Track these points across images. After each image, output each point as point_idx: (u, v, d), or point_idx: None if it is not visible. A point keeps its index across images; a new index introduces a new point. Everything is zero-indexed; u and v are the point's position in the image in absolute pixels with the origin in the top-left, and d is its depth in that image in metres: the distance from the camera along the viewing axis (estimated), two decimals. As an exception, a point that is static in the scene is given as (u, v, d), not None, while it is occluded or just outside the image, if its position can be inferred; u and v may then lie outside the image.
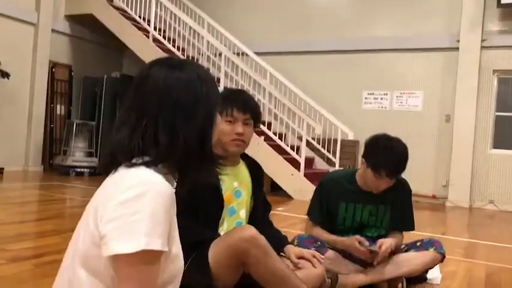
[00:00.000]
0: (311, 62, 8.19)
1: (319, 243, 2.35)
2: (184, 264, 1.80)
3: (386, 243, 2.26)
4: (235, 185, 1.96)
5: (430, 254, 2.32)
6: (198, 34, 7.95)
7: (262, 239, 1.68)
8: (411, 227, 2.51)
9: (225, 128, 1.88)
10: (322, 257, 2.06)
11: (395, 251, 2.35)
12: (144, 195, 0.91)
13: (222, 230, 1.91)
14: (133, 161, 0.99)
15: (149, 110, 1.01)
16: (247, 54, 8.04)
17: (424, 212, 6.14)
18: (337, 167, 7.03)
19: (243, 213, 1.99)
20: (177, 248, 1.04)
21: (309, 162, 7.41)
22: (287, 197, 6.48)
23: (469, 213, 6.56)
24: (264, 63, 7.90)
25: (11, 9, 7.46)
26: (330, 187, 2.48)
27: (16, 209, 4.47)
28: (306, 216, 2.55)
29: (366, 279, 2.31)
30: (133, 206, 0.90)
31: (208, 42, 7.77)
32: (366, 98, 7.85)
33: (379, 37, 7.73)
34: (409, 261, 2.30)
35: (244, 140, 1.91)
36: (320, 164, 7.69)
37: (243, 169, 2.03)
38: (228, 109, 1.90)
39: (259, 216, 2.05)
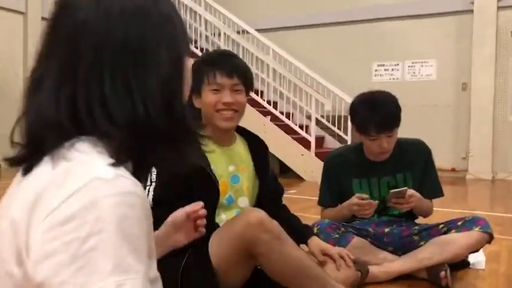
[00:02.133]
0: (316, 36, 7.76)
1: (343, 229, 2.00)
2: (180, 263, 1.46)
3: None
4: (230, 168, 1.64)
5: (475, 234, 1.95)
6: (195, 13, 7.54)
7: (272, 222, 1.36)
8: (439, 192, 2.17)
9: (209, 98, 1.57)
10: (352, 257, 1.71)
11: (437, 233, 2.01)
12: (99, 203, 0.55)
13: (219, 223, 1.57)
14: (67, 144, 0.61)
15: (80, 59, 0.63)
16: (248, 32, 7.62)
17: (445, 187, 5.62)
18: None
19: (242, 202, 1.64)
20: (154, 270, 0.67)
21: (319, 141, 7.04)
22: (298, 178, 6.13)
23: (493, 185, 6.17)
24: (267, 40, 7.48)
25: (-4, -3, 7.08)
26: (336, 164, 2.15)
27: None
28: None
29: (401, 268, 1.95)
30: (85, 226, 0.54)
31: (206, 21, 7.37)
32: (376, 70, 7.43)
33: (386, 4, 7.27)
34: (452, 244, 1.93)
35: (235, 109, 1.58)
36: (331, 143, 7.32)
37: (239, 148, 1.69)
38: (211, 75, 1.56)
39: (268, 202, 1.68)
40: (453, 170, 6.81)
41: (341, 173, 2.15)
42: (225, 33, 7.02)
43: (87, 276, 0.52)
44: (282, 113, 6.63)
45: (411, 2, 7.12)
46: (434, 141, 7.64)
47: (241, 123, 1.69)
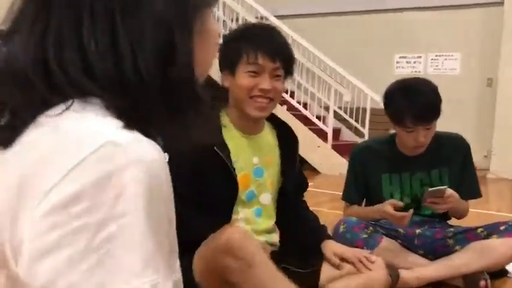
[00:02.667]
0: (337, 24, 7.52)
1: (371, 228, 1.82)
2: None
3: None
4: (254, 160, 1.45)
5: (519, 240, 1.76)
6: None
7: (245, 246, 1.13)
8: (477, 193, 1.98)
9: (245, 81, 1.35)
10: (373, 259, 1.50)
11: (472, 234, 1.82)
12: (118, 175, 0.40)
13: (238, 222, 1.39)
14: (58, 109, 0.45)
15: None
16: (267, 19, 7.41)
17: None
18: (366, 138, 6.45)
19: (265, 198, 1.46)
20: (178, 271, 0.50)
21: (335, 133, 6.84)
22: (313, 171, 5.94)
23: (516, 186, 5.94)
24: (286, 27, 7.26)
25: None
26: (365, 156, 1.97)
27: None
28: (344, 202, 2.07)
29: (434, 274, 1.77)
30: (99, 207, 0.39)
31: (224, 4, 7.16)
32: (397, 62, 7.18)
33: (411, -6, 7.01)
34: (493, 251, 1.75)
35: (271, 98, 1.38)
36: (347, 135, 7.12)
37: (266, 137, 1.50)
38: (251, 54, 1.34)
39: (289, 199, 1.51)
40: (475, 168, 6.56)
41: (369, 167, 1.97)
42: (243, 18, 6.81)
43: (106, 276, 0.37)
44: (299, 102, 6.44)
45: (438, -8, 6.86)
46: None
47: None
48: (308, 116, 6.30)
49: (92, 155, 0.40)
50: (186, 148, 1.08)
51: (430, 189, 1.76)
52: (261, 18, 7.42)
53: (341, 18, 7.50)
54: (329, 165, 5.73)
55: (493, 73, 6.58)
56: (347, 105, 6.74)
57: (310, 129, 6.12)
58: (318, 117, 6.34)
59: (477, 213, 3.46)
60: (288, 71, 1.41)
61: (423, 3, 6.92)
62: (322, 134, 6.12)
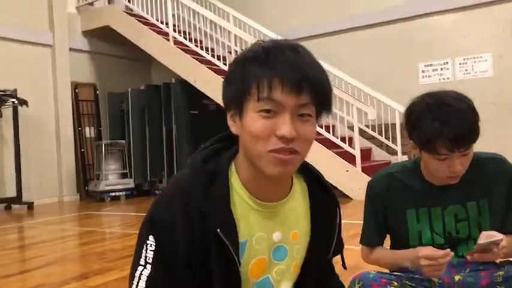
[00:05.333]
0: (354, 40, 7.20)
1: (395, 284, 1.44)
2: None
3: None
4: (275, 237, 1.00)
5: None
6: (224, 30, 7.18)
7: None
8: None
9: (257, 125, 0.90)
10: None
11: None
12: None
13: None
14: None
15: None
16: (280, 43, 7.16)
17: None
18: (399, 157, 6.00)
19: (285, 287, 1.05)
20: None
21: (366, 154, 6.43)
22: (344, 197, 5.54)
23: None
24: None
25: (22, 32, 7.00)
26: (385, 188, 1.60)
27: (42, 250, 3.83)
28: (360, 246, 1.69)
29: (485, 337, 1.37)
30: None
31: (236, 36, 6.98)
32: (423, 71, 6.75)
33: (427, -1, 6.62)
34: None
35: (296, 151, 0.91)
36: (379, 155, 6.68)
37: (294, 202, 1.04)
38: (263, 84, 0.89)
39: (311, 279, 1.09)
40: (522, 175, 5.99)
41: (391, 200, 1.60)
42: (255, 47, 6.60)
43: None
44: (321, 126, 6.09)
45: (456, -7, 6.45)
46: (496, 144, 6.86)
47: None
48: (332, 140, 5.93)
49: None
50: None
51: (482, 241, 1.38)
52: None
53: (358, 34, 7.18)
54: (360, 190, 5.31)
55: (529, 70, 6.07)
56: (374, 122, 6.35)
57: (336, 152, 5.75)
58: (344, 139, 5.96)
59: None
60: (323, 107, 0.96)
61: (445, 6, 6.52)
62: (350, 157, 5.73)
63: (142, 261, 0.94)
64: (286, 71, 0.88)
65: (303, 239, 1.05)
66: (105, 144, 7.29)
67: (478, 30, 6.39)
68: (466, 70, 6.50)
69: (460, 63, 6.53)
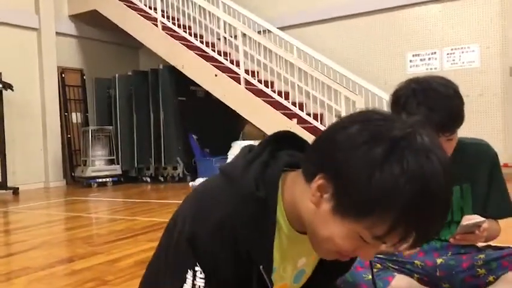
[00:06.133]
0: (343, 28, 7.19)
1: (378, 265, 1.47)
2: None
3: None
4: (300, 263, 0.98)
5: None
6: (213, 16, 7.13)
7: None
8: (508, 210, 1.61)
9: (345, 243, 0.81)
10: None
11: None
12: None
13: None
14: None
15: None
16: (269, 31, 7.14)
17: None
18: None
19: None
20: None
21: (353, 142, 6.46)
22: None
23: (555, 180, 5.43)
24: (290, 38, 6.97)
25: (7, 15, 6.87)
26: None
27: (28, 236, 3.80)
28: None
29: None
30: None
31: (225, 23, 6.94)
32: (411, 61, 6.78)
33: (417, -12, 6.63)
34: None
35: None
36: (366, 143, 6.72)
37: None
38: (403, 233, 0.76)
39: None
40: (506, 165, 6.07)
41: None
42: (244, 34, 6.57)
43: None
44: (309, 114, 6.11)
45: (446, -18, 6.46)
46: (483, 135, 6.91)
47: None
48: (319, 128, 5.96)
49: None
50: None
51: (465, 223, 1.40)
52: (263, 32, 7.18)
53: (346, 23, 7.17)
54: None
55: (515, 61, 6.12)
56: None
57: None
58: (332, 128, 5.98)
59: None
60: None
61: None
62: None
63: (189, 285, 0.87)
64: (429, 234, 0.78)
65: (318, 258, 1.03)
66: (92, 130, 7.22)
67: (465, 20, 6.42)
68: (454, 60, 6.54)
69: (447, 54, 6.57)
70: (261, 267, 0.86)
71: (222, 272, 0.85)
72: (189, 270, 0.86)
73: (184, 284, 0.86)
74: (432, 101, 1.39)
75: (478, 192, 1.57)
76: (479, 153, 1.58)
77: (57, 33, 7.49)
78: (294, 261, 0.97)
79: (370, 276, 1.42)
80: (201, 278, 0.86)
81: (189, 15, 7.29)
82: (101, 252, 2.85)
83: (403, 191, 0.71)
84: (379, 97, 6.22)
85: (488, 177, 1.57)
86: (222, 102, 6.45)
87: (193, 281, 0.86)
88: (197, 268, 0.85)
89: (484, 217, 1.45)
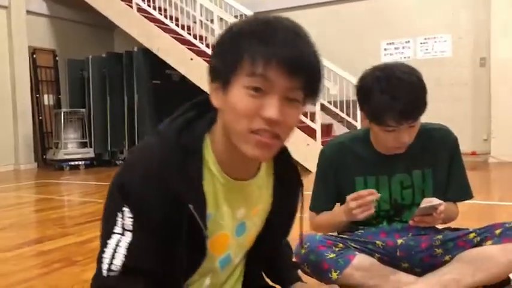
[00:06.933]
0: (317, 16, 7.21)
1: (340, 245, 1.51)
2: None
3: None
4: (239, 214, 1.01)
5: (520, 246, 1.45)
6: (190, -1, 7.05)
7: None
8: (468, 194, 1.68)
9: (242, 102, 0.86)
10: None
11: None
12: None
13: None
14: None
15: None
16: (246, 16, 7.10)
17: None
18: (359, 131, 6.14)
19: (239, 258, 1.11)
20: None
21: (327, 129, 6.54)
22: (304, 170, 5.64)
23: (519, 169, 5.61)
24: (266, 23, 6.94)
25: (-24, -8, 6.67)
26: (336, 156, 1.65)
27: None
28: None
29: (423, 294, 1.46)
30: None
31: (201, 6, 6.87)
32: (385, 49, 6.86)
33: (394, -23, 6.70)
34: (488, 261, 1.44)
35: (278, 136, 0.88)
36: (340, 130, 6.79)
37: (260, 181, 1.05)
38: (258, 60, 0.85)
39: (269, 246, 1.16)
40: (474, 153, 6.25)
41: (341, 168, 1.66)
42: (221, 18, 6.53)
43: None
44: (284, 100, 6.14)
45: (421, -28, 6.54)
46: (452, 123, 7.04)
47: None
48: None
49: None
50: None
51: (423, 205, 1.45)
52: (240, 16, 7.14)
53: (321, 9, 7.20)
54: (320, 164, 5.42)
55: (485, 52, 6.26)
56: (336, 98, 6.45)
57: (298, 126, 5.81)
58: (306, 114, 6.03)
59: (478, 206, 3.16)
60: (311, 94, 0.90)
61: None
62: (311, 131, 5.82)
63: (118, 230, 0.88)
64: (285, 51, 0.84)
65: (263, 214, 1.08)
66: (64, 113, 7.11)
67: (439, 11, 6.52)
68: (427, 50, 6.65)
69: (421, 43, 6.67)
70: (191, 206, 0.90)
71: (152, 215, 0.89)
72: (118, 213, 0.90)
73: (115, 226, 0.90)
74: (395, 88, 1.43)
75: (439, 176, 1.62)
76: (441, 138, 1.64)
77: (28, 12, 7.31)
78: (232, 209, 0.99)
79: (332, 255, 1.47)
80: (129, 217, 0.89)
81: (165, -3, 7.20)
82: (71, 234, 2.84)
83: (233, 33, 0.90)
84: (353, 84, 6.29)
85: (448, 162, 1.63)
86: (197, 86, 6.42)
87: (122, 222, 0.89)
88: (125, 208, 0.89)
89: (444, 200, 1.51)
